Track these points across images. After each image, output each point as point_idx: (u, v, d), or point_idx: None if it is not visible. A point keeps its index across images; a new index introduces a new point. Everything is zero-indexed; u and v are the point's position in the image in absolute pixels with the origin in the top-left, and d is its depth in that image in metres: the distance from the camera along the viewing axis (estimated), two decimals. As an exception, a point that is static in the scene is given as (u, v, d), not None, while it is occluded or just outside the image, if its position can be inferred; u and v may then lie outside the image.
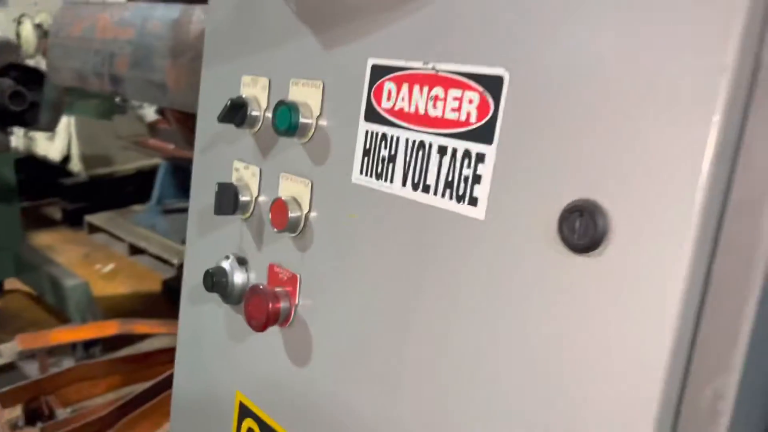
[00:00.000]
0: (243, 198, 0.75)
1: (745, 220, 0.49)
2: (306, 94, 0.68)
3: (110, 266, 4.17)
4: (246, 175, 0.76)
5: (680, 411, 0.48)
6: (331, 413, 0.67)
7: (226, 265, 0.77)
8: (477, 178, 0.53)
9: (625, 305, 0.44)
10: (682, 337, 0.43)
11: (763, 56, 0.45)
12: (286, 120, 0.66)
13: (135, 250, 4.26)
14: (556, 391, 0.48)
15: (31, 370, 2.77)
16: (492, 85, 0.51)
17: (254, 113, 0.74)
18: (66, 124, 4.48)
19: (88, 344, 3.01)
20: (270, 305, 0.69)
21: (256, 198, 0.75)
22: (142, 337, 3.13)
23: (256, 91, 0.75)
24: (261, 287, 0.71)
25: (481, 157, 0.52)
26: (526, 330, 0.49)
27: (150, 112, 4.44)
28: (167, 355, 2.72)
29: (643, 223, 0.43)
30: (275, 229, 0.70)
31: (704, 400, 0.52)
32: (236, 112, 0.73)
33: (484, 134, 0.52)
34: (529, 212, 0.49)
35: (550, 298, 0.48)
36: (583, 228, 0.45)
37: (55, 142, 4.58)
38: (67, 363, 2.85)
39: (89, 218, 4.55)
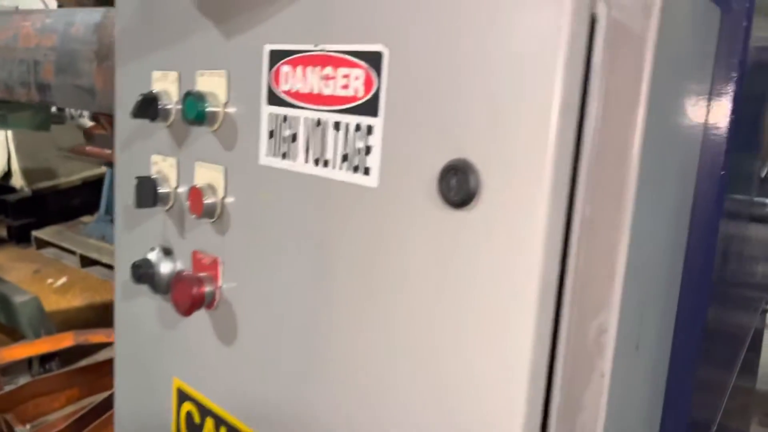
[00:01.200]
0: (162, 190, 0.78)
1: (610, 167, 0.55)
2: (212, 84, 0.71)
3: (62, 280, 4.10)
4: (164, 167, 0.79)
5: (557, 346, 0.53)
6: (258, 386, 0.70)
7: (152, 256, 0.79)
8: (368, 149, 0.56)
9: (498, 250, 0.48)
10: (549, 277, 0.48)
11: (598, 13, 0.49)
12: (194, 109, 0.69)
13: (87, 262, 4.20)
14: (450, 329, 0.52)
15: (-14, 390, 2.72)
16: (374, 61, 0.55)
17: (166, 106, 0.76)
18: (3, 139, 4.37)
19: (45, 359, 2.96)
20: (194, 290, 0.71)
21: (176, 188, 0.78)
22: (99, 347, 3.10)
23: (167, 85, 0.77)
24: (184, 274, 0.73)
25: (370, 129, 0.56)
26: (419, 281, 0.54)
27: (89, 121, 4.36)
28: (126, 363, 2.71)
29: (509, 177, 0.47)
30: (194, 216, 0.72)
31: (590, 334, 0.57)
32: (148, 107, 0.75)
33: (371, 107, 0.56)
34: (414, 175, 0.53)
35: (435, 249, 0.52)
36: (457, 185, 0.49)
37: (-6, 159, 4.47)
38: (24, 380, 2.81)
39: (36, 233, 4.46)
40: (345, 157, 0.58)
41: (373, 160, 0.56)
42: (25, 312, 3.01)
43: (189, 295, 0.71)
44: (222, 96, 0.70)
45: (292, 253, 0.65)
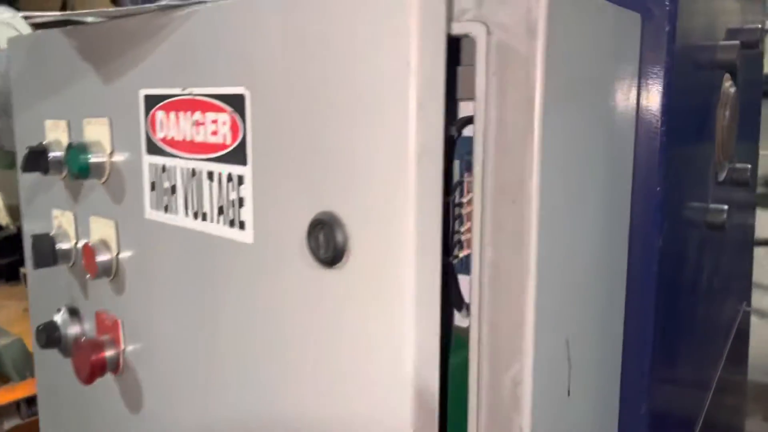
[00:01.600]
0: (63, 246, 0.72)
1: (510, 204, 0.49)
2: (97, 133, 0.65)
3: (52, 316, 4.04)
4: (64, 223, 0.73)
5: (468, 402, 0.47)
6: (168, 457, 0.64)
7: (57, 318, 0.74)
8: (241, 201, 0.51)
9: (372, 311, 0.43)
10: (426, 334, 0.42)
11: (477, 37, 0.44)
12: (76, 163, 0.64)
13: (76, 296, 4.15)
14: (331, 391, 0.46)
15: (-29, 438, 2.66)
16: (238, 105, 0.50)
17: (58, 158, 0.71)
18: (-15, 178, 4.33)
19: (32, 401, 2.90)
20: (93, 356, 0.66)
21: (76, 244, 0.72)
22: (89, 384, 3.03)
23: (58, 135, 0.72)
24: (83, 339, 0.68)
25: (241, 179, 0.51)
26: (294, 342, 0.48)
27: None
28: (113, 400, 2.64)
29: (375, 230, 0.42)
30: (89, 276, 0.67)
31: (505, 387, 0.52)
32: (37, 160, 0.70)
33: (240, 155, 0.50)
34: (286, 230, 0.47)
35: (311, 312, 0.46)
36: (326, 241, 0.44)
37: (-22, 198, 4.43)
38: (12, 424, 2.74)
39: (25, 270, 4.41)
40: (221, 210, 0.53)
41: (246, 214, 0.51)
42: (9, 354, 2.94)
43: (88, 362, 0.66)
44: (107, 145, 0.64)
45: (184, 314, 0.59)
